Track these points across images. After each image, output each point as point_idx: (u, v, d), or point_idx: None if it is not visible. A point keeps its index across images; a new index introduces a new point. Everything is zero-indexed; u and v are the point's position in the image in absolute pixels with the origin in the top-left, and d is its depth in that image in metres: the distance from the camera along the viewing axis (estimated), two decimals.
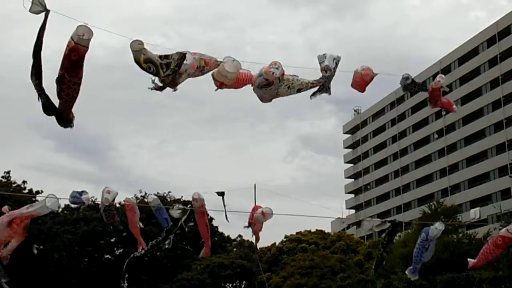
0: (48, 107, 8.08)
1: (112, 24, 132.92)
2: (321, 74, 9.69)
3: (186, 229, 15.29)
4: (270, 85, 9.14)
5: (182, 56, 8.14)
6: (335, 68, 9.70)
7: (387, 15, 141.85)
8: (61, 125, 8.41)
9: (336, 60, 9.76)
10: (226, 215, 14.51)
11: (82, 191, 13.36)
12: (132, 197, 61.50)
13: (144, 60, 7.73)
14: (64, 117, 8.44)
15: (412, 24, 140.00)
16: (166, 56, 8.05)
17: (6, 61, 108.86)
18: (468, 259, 15.70)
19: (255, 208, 13.50)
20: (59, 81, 7.88)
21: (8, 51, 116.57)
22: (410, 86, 10.38)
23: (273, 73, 8.94)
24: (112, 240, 56.72)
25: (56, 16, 7.65)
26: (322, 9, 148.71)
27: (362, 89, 10.21)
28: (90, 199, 14.22)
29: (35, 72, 7.87)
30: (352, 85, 10.14)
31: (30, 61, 7.90)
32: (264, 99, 9.52)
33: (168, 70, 7.95)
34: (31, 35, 7.84)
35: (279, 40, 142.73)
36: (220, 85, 8.97)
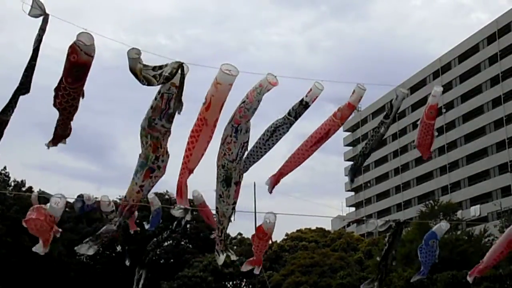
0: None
1: (116, 25, 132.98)
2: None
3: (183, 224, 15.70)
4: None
5: (179, 65, 7.90)
6: None
7: (388, 16, 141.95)
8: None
9: None
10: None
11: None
12: None
13: (139, 71, 7.66)
14: (58, 135, 8.44)
15: (413, 25, 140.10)
16: (160, 67, 7.84)
17: (8, 60, 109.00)
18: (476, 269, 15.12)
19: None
20: (57, 86, 7.81)
21: (11, 50, 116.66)
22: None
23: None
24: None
25: (57, 18, 7.71)
26: (323, 9, 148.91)
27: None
28: (93, 198, 14.52)
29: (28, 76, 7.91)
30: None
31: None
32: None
33: (161, 78, 7.76)
34: (34, 36, 7.85)
35: (281, 40, 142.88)
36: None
